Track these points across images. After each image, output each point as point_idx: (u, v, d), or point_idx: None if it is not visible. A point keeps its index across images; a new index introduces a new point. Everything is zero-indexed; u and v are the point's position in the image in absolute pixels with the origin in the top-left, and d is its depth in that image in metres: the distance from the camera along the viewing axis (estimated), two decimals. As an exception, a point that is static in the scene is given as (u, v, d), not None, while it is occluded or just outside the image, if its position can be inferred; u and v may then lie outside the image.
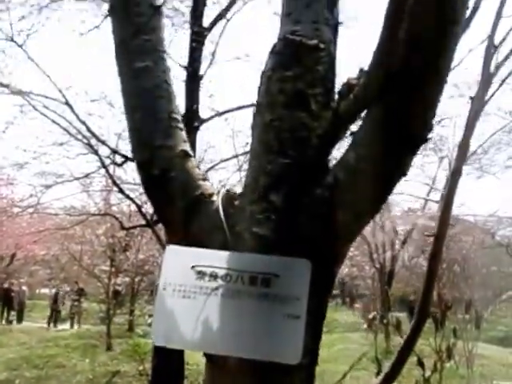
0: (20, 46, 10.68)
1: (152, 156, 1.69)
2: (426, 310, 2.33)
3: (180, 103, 10.81)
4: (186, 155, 1.71)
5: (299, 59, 1.59)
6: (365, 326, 17.77)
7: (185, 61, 11.02)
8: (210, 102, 11.91)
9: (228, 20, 11.00)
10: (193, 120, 11.01)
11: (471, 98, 2.18)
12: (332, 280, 1.48)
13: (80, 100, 11.73)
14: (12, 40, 10.62)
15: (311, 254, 1.40)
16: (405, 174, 1.41)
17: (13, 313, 21.66)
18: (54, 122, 11.15)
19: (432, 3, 1.21)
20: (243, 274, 1.38)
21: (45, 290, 25.62)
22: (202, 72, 11.05)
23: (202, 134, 12.04)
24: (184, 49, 11.00)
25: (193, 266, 1.40)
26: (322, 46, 1.60)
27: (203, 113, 11.38)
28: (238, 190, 1.63)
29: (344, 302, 33.31)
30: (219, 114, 11.75)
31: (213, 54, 10.97)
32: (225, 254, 1.43)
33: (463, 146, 2.20)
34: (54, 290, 21.84)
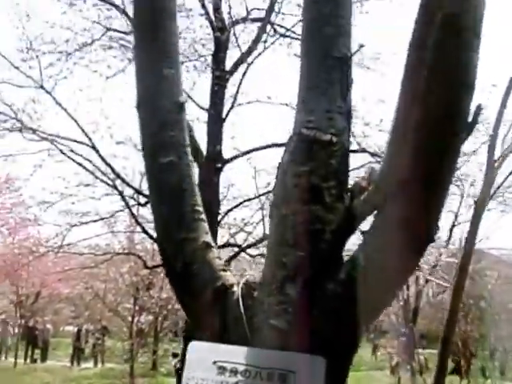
0: (49, 93, 11.06)
1: (176, 249, 1.80)
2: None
3: (202, 144, 11.05)
4: (207, 246, 1.82)
5: (313, 154, 1.68)
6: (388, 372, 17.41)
7: (207, 103, 11.29)
8: (232, 142, 12.04)
9: (249, 64, 11.25)
10: (216, 161, 11.21)
11: (475, 202, 2.25)
12: (346, 371, 1.55)
13: (105, 142, 11.93)
14: (41, 87, 11.00)
15: (325, 347, 1.47)
16: (413, 272, 1.48)
17: (37, 351, 21.78)
18: (80, 164, 11.44)
19: (440, 117, 1.31)
20: (261, 370, 1.45)
21: (69, 328, 25.73)
22: (223, 112, 11.29)
23: (225, 174, 12.15)
24: (206, 91, 11.29)
25: (214, 362, 1.49)
26: (334, 139, 1.69)
27: (225, 153, 11.58)
28: (256, 276, 1.70)
29: (368, 339, 32.59)
30: (241, 155, 11.92)
31: (234, 97, 11.19)
32: (244, 349, 1.50)
33: (469, 246, 2.27)
34: (76, 328, 21.94)
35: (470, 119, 1.39)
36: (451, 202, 17.42)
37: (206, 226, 1.87)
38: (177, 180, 1.87)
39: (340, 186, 1.67)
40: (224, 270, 1.77)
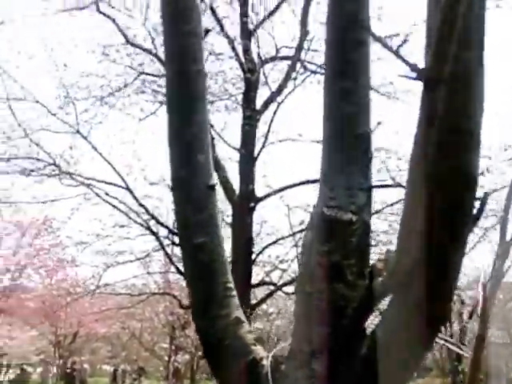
0: (85, 138, 11.32)
1: (209, 325, 1.91)
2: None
3: (235, 183, 11.08)
4: (238, 322, 1.89)
5: (335, 234, 1.73)
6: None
7: (238, 142, 11.36)
8: (264, 180, 12.03)
9: (280, 103, 11.30)
10: (249, 200, 11.20)
11: (484, 283, 2.21)
12: None
13: (139, 184, 12.08)
14: (78, 132, 11.27)
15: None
16: (431, 349, 1.51)
17: (75, 391, 21.86)
18: (114, 207, 11.61)
19: (445, 212, 1.38)
20: None
21: (106, 367, 25.81)
22: (255, 151, 11.33)
23: (259, 212, 12.13)
24: (238, 129, 11.37)
25: None
26: (354, 218, 1.73)
27: (258, 190, 11.57)
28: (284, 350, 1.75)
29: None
30: (274, 193, 11.88)
31: (266, 137, 11.23)
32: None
33: (484, 316, 2.24)
34: (112, 368, 21.98)
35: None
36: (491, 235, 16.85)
37: (236, 301, 1.97)
38: (209, 260, 1.95)
39: (361, 263, 1.73)
40: (254, 345, 1.84)
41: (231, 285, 1.98)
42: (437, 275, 1.44)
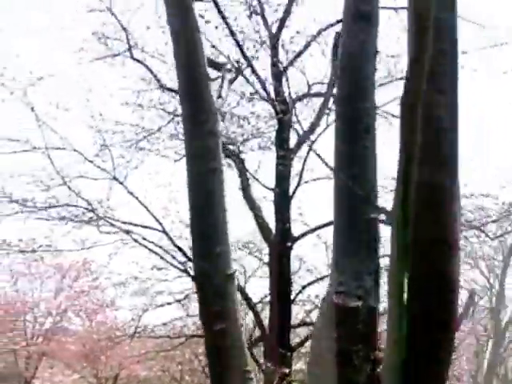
0: (121, 183, 11.44)
1: None
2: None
3: (271, 222, 10.96)
4: None
5: (342, 321, 1.82)
6: None
7: (273, 181, 11.28)
8: (300, 218, 11.90)
9: (313, 142, 11.22)
10: (285, 239, 11.07)
11: None
12: None
13: (175, 226, 12.10)
14: (114, 178, 11.40)
15: None
16: None
17: None
18: (151, 251, 11.62)
19: (427, 323, 1.39)
20: None
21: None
22: (290, 190, 11.23)
23: (296, 251, 11.99)
24: (272, 167, 11.31)
25: None
26: (361, 304, 1.83)
27: (294, 229, 11.42)
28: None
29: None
30: (311, 231, 11.73)
31: (300, 176, 11.14)
32: None
33: None
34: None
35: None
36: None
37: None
38: (228, 345, 2.14)
39: (367, 348, 1.78)
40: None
41: (250, 368, 2.14)
42: (425, 373, 1.46)
